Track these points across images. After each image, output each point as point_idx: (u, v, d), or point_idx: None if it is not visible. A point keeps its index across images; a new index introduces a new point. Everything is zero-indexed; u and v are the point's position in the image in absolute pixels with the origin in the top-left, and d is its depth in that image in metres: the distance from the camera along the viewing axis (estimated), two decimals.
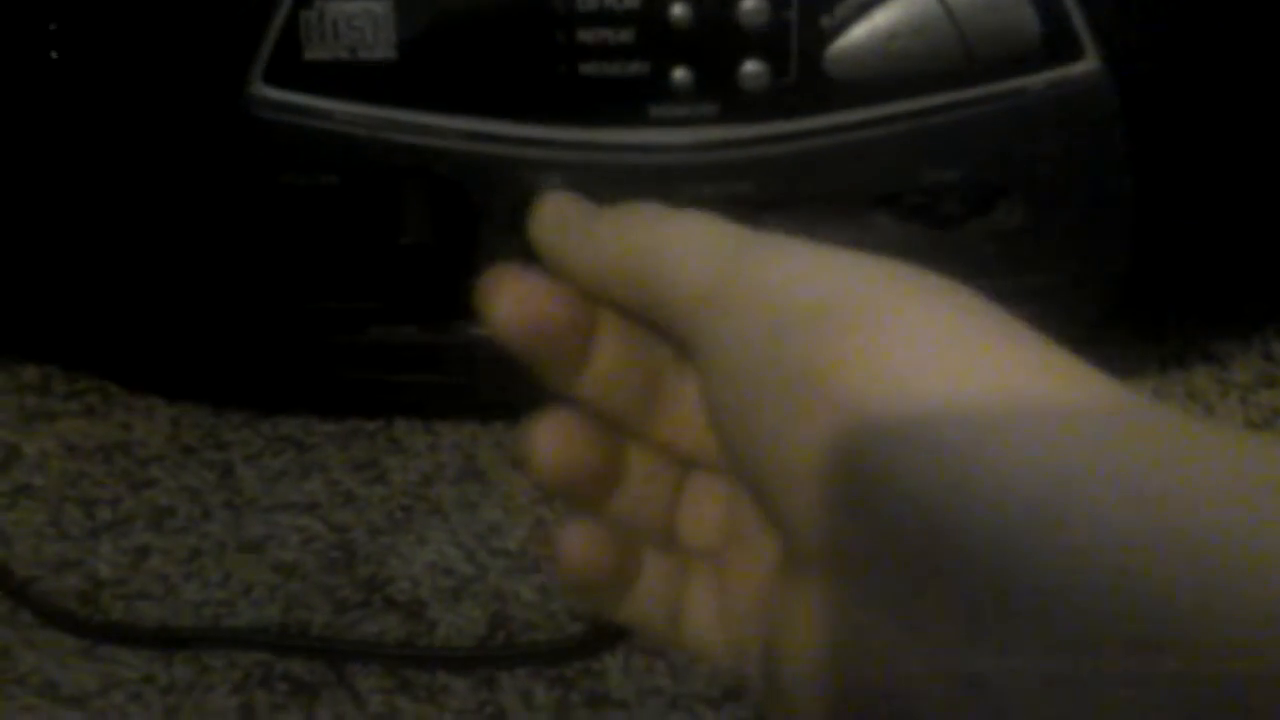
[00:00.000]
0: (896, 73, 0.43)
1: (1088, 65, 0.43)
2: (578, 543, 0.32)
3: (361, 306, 0.48)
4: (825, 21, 0.42)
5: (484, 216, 0.44)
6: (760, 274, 0.28)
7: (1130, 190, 0.45)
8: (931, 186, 0.45)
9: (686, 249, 0.29)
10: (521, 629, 0.51)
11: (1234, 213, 0.48)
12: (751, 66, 0.43)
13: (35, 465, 0.56)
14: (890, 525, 0.24)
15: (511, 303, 0.31)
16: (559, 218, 0.33)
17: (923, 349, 0.25)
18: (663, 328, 0.30)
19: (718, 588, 0.32)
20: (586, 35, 0.42)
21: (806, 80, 0.43)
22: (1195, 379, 0.57)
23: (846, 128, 0.44)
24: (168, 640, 0.51)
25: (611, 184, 0.44)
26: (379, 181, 0.44)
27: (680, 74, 0.43)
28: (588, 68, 0.43)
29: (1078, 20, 0.43)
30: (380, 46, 0.42)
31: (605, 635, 0.50)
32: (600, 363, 0.32)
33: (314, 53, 0.42)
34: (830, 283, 0.27)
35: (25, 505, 0.55)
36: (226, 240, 0.46)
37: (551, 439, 0.32)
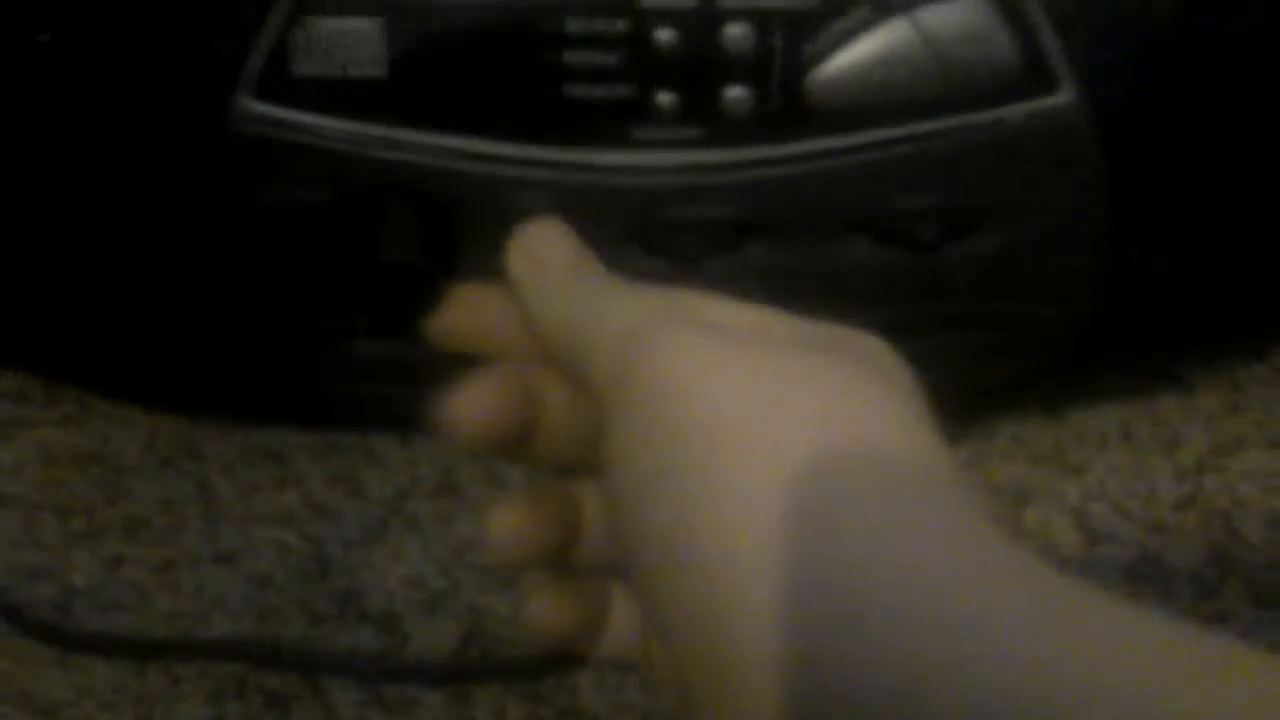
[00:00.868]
0: (877, 100, 0.44)
1: (1065, 97, 0.44)
2: (549, 612, 0.33)
3: (344, 322, 0.48)
4: (808, 49, 0.43)
5: (468, 234, 0.45)
6: (651, 385, 0.27)
7: (1106, 219, 0.46)
8: (909, 212, 0.46)
9: (602, 335, 0.29)
10: (495, 644, 0.51)
11: (1205, 241, 0.49)
12: (735, 91, 0.44)
13: (11, 474, 0.56)
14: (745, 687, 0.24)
15: (469, 414, 0.31)
16: (540, 258, 0.33)
17: (801, 495, 0.25)
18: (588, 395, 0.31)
19: None
20: (573, 57, 0.43)
21: (789, 106, 0.44)
22: (1162, 405, 0.58)
23: (827, 153, 0.44)
24: (141, 650, 0.51)
25: (594, 205, 0.44)
26: (364, 198, 0.44)
27: (664, 98, 0.44)
28: (573, 89, 0.43)
29: (1055, 52, 0.43)
30: (370, 64, 0.43)
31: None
32: (548, 423, 0.33)
33: (303, 69, 0.43)
34: (704, 410, 0.26)
35: (0, 514, 0.55)
36: (210, 253, 0.46)
37: (508, 526, 0.32)
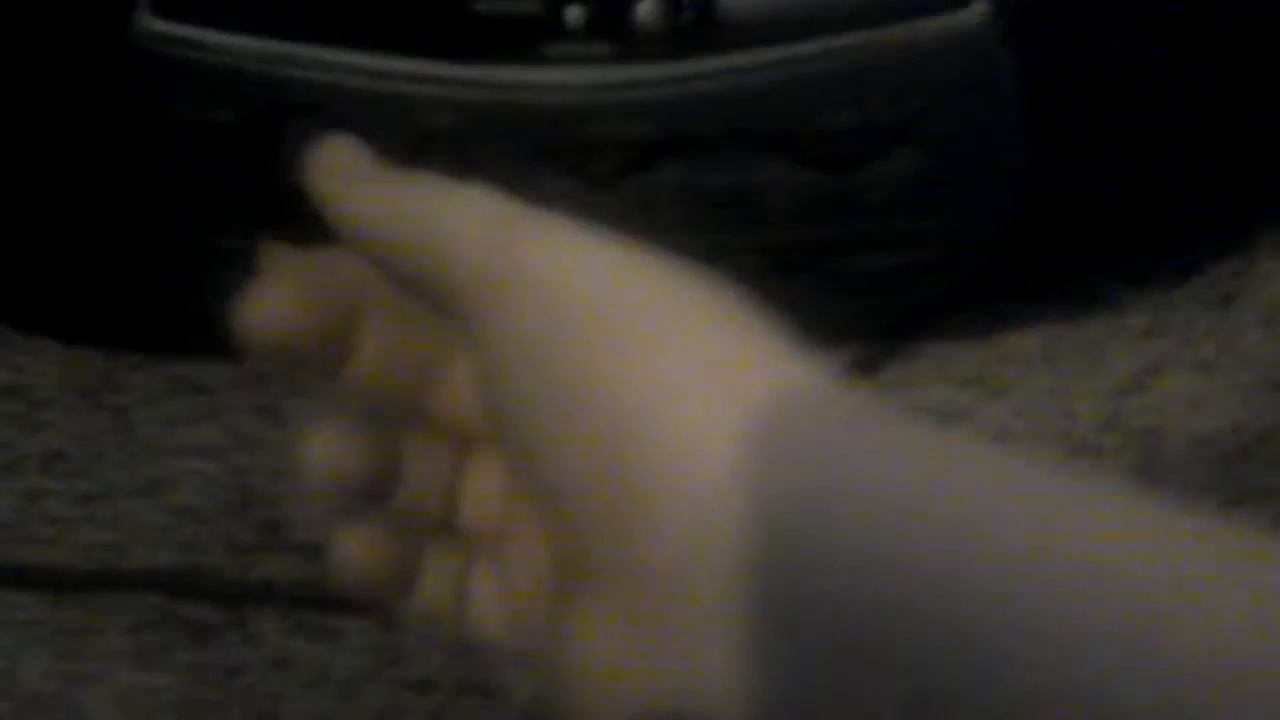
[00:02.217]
0: (790, 15, 0.43)
1: (980, 9, 0.44)
2: (357, 550, 0.32)
3: (251, 245, 0.48)
4: None
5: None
6: (532, 265, 0.28)
7: (1022, 134, 0.46)
8: (826, 130, 0.46)
9: (461, 228, 0.29)
10: None
11: (1127, 158, 0.49)
12: (645, 6, 0.43)
13: None
14: (643, 553, 0.25)
15: (259, 321, 0.30)
16: (343, 168, 0.31)
17: (681, 371, 0.26)
18: (438, 303, 0.30)
19: (500, 570, 0.32)
20: None
21: (700, 21, 0.43)
22: (1089, 328, 0.58)
23: (740, 70, 0.44)
24: (60, 583, 0.50)
25: (504, 123, 0.44)
26: (268, 118, 0.44)
27: (574, 13, 0.43)
28: (482, 4, 0.43)
29: None
30: None
31: None
32: (369, 351, 0.31)
33: None
34: (598, 287, 0.27)
35: None
36: (116, 175, 0.45)
37: (326, 453, 0.31)
